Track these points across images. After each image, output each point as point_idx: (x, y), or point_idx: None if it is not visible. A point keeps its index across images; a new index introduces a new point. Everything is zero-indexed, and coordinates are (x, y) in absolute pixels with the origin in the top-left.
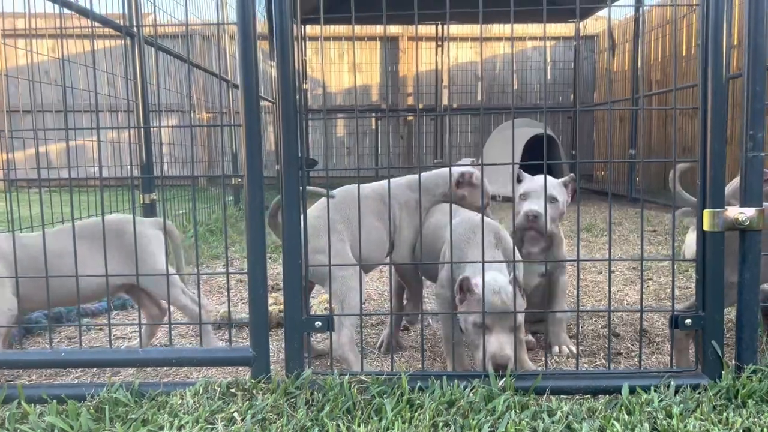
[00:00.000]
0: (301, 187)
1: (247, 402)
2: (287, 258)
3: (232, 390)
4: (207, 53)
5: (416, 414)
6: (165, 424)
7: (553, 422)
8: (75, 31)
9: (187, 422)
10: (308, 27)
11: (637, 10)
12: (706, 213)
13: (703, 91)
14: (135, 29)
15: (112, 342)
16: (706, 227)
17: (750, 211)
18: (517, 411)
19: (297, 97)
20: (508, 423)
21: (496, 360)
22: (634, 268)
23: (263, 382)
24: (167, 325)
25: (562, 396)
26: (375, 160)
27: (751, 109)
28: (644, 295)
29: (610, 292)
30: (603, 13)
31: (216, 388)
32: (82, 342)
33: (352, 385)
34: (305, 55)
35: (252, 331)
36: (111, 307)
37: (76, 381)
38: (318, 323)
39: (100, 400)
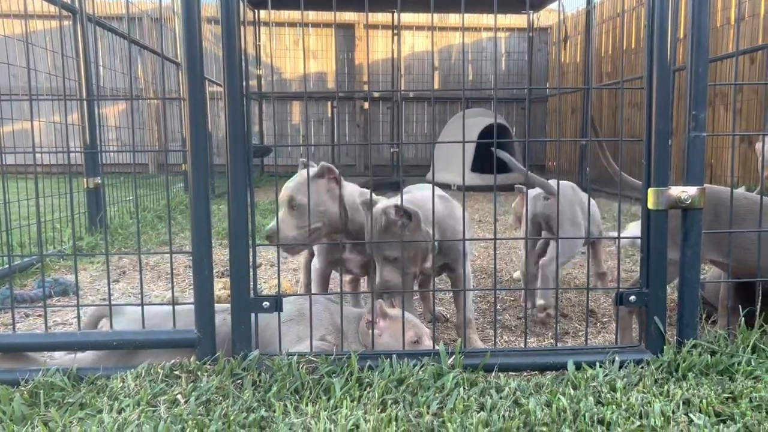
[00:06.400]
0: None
1: (192, 384)
2: (234, 238)
3: (176, 372)
4: (157, 36)
5: (365, 392)
6: (104, 408)
7: (501, 398)
8: (12, 9)
9: (128, 405)
10: (262, 12)
11: (588, 2)
12: (650, 191)
13: (648, 72)
14: (77, 6)
15: (51, 329)
16: (650, 205)
17: (692, 190)
18: (466, 388)
19: (244, 79)
20: (456, 399)
21: (376, 289)
22: (583, 252)
23: (209, 364)
24: (108, 306)
25: (510, 373)
26: (332, 149)
27: (694, 89)
28: (592, 278)
29: (557, 271)
30: (556, 5)
31: (159, 370)
32: (16, 329)
33: (301, 366)
34: (259, 41)
35: (197, 312)
36: (52, 293)
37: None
38: (266, 303)
39: (34, 384)
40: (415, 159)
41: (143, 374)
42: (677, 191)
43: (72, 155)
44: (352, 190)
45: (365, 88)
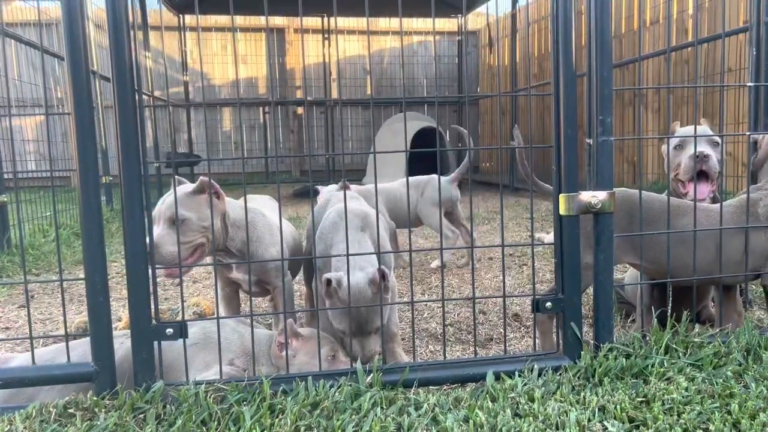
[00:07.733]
0: (143, 182)
1: (88, 422)
2: (131, 260)
3: (71, 410)
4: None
5: (277, 420)
6: None
7: (419, 415)
8: None
9: None
10: (188, 17)
11: (513, 6)
12: (562, 197)
13: (555, 78)
14: None
15: None
16: (561, 211)
17: (602, 195)
18: (384, 407)
19: (135, 85)
20: (373, 421)
21: (363, 360)
22: (510, 254)
23: (108, 399)
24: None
25: (430, 387)
26: (265, 160)
27: (600, 94)
28: (519, 281)
29: (473, 279)
30: (485, 8)
31: (51, 409)
32: None
33: (209, 395)
34: (185, 46)
35: (93, 343)
36: None
37: None
38: (169, 330)
39: None
40: (351, 164)
41: (34, 414)
42: (587, 196)
43: None
44: (235, 206)
45: (298, 93)
